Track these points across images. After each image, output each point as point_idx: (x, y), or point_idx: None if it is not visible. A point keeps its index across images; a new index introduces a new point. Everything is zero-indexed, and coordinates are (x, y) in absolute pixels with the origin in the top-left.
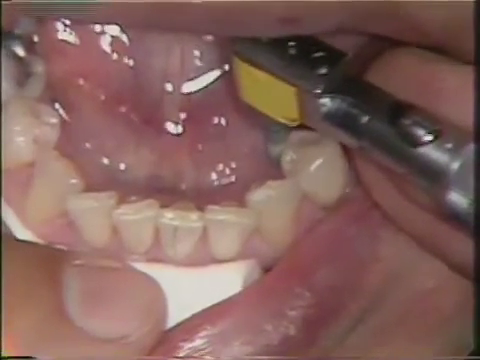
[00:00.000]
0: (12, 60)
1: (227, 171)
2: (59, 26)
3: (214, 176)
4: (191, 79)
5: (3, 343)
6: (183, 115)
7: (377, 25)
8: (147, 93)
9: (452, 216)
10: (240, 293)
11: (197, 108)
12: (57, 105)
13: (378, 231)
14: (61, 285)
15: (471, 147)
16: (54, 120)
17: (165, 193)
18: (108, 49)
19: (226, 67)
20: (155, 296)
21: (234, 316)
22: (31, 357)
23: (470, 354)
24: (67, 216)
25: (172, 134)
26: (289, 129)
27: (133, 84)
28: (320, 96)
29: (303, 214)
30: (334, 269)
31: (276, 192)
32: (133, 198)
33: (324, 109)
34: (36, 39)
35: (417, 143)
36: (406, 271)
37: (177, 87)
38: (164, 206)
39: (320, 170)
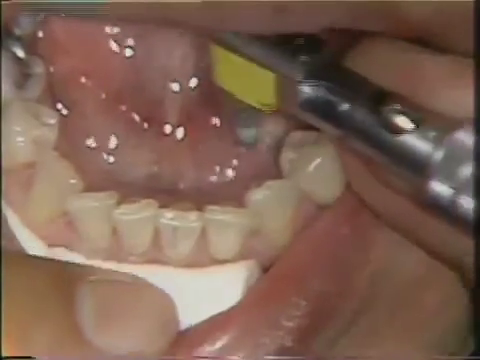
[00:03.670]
0: (11, 61)
1: (226, 171)
2: (62, 24)
3: (213, 176)
4: (192, 78)
5: (3, 343)
6: (183, 115)
7: (370, 22)
8: (148, 92)
9: (434, 205)
10: (237, 306)
11: (197, 108)
12: (58, 104)
13: (369, 231)
14: (74, 302)
15: (454, 137)
16: (53, 121)
17: (164, 193)
18: (110, 48)
19: None
20: (169, 312)
21: (232, 332)
22: (31, 357)
23: (470, 354)
24: (67, 216)
25: (172, 134)
26: (259, 112)
27: (134, 83)
28: (300, 83)
29: (302, 214)
30: (327, 273)
31: (275, 192)
32: (133, 198)
33: (303, 96)
34: (40, 35)
35: (399, 131)
36: (394, 270)
37: (178, 86)
38: (163, 206)
39: (319, 170)
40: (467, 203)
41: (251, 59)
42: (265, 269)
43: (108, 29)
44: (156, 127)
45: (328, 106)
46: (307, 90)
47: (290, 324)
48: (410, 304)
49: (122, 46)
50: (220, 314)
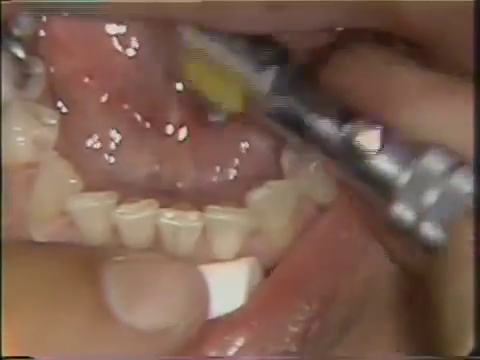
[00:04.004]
0: (11, 61)
1: (227, 171)
2: (63, 24)
3: (214, 176)
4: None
5: (3, 344)
6: (185, 114)
7: (369, 21)
8: (150, 91)
9: (395, 228)
10: (241, 311)
11: (199, 107)
12: (59, 104)
13: (362, 235)
14: (102, 283)
15: (422, 161)
16: (53, 121)
17: (165, 193)
18: (112, 47)
19: None
20: (199, 285)
21: (240, 338)
22: (31, 357)
23: (470, 354)
24: (67, 216)
25: (173, 134)
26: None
27: (137, 82)
28: (266, 94)
29: (302, 214)
30: (327, 278)
31: (276, 192)
32: (133, 198)
33: (269, 107)
34: (41, 35)
35: (362, 151)
36: (382, 277)
37: (181, 86)
38: (164, 206)
39: (319, 170)
40: (429, 229)
41: (220, 67)
42: (266, 269)
43: (109, 28)
44: (158, 126)
45: (293, 119)
46: (273, 102)
47: (295, 329)
48: (400, 308)
49: (124, 45)
50: (225, 318)
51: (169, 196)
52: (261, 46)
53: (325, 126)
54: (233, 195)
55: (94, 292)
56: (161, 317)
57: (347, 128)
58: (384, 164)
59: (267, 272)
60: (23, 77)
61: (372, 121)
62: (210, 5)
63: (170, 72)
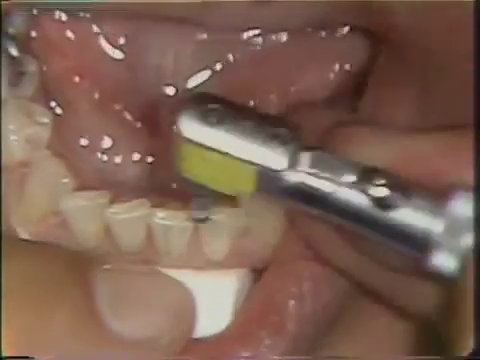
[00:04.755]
0: (5, 59)
1: None
2: (56, 24)
3: None
4: (185, 78)
5: (3, 344)
6: (177, 113)
7: (354, 18)
8: (141, 92)
9: (438, 276)
10: (225, 339)
11: None
12: (52, 103)
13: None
14: (92, 287)
15: (454, 203)
16: (46, 120)
17: (158, 193)
18: (104, 47)
19: (218, 67)
20: (186, 301)
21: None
22: (31, 357)
23: (470, 354)
24: (60, 215)
25: (165, 133)
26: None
27: (128, 82)
28: (282, 172)
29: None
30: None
31: None
32: (125, 198)
33: (286, 184)
34: (33, 34)
35: (389, 207)
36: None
37: (171, 86)
38: (156, 206)
39: None
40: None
41: (227, 155)
42: (256, 271)
43: (101, 28)
44: (149, 126)
45: (311, 191)
46: (289, 178)
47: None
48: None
49: (115, 46)
50: (211, 340)
51: (161, 196)
52: (265, 126)
53: (346, 193)
54: (225, 195)
55: (82, 295)
56: (147, 328)
57: (368, 189)
58: (413, 216)
59: (259, 273)
60: (16, 75)
61: (391, 177)
62: (202, 2)
63: (161, 72)
